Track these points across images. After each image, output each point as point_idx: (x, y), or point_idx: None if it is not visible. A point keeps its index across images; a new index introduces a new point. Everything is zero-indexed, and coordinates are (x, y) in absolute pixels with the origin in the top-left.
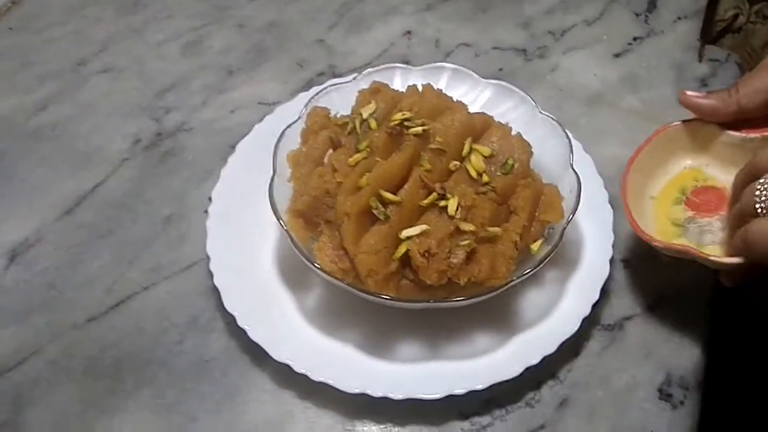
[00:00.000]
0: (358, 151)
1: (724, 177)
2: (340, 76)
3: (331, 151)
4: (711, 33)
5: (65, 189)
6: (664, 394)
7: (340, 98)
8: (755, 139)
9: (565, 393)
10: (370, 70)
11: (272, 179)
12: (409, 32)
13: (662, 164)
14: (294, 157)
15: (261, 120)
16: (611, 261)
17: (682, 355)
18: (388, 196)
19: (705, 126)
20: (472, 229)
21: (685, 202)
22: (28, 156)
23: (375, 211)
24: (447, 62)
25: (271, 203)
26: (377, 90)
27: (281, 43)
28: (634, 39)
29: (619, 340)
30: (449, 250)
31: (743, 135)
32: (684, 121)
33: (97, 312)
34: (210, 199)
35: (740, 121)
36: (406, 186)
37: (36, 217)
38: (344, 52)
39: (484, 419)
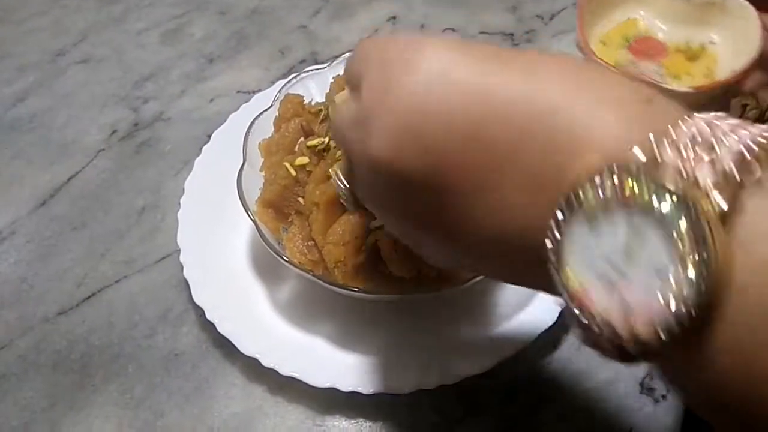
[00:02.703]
0: (330, 138)
1: (664, 31)
2: (322, 63)
3: (302, 139)
4: None
5: (40, 181)
6: (646, 388)
7: (316, 85)
8: None
9: (542, 387)
10: (347, 55)
11: (241, 168)
12: (394, 17)
13: (610, 11)
14: (266, 145)
15: (237, 109)
16: None
17: None
18: None
19: None
20: None
21: (629, 48)
22: (3, 148)
23: (343, 201)
24: None
25: (239, 193)
26: None
27: (263, 31)
28: None
29: None
30: None
31: None
32: None
33: (67, 305)
34: (184, 189)
35: None
36: None
37: (10, 210)
38: (327, 39)
39: (457, 413)
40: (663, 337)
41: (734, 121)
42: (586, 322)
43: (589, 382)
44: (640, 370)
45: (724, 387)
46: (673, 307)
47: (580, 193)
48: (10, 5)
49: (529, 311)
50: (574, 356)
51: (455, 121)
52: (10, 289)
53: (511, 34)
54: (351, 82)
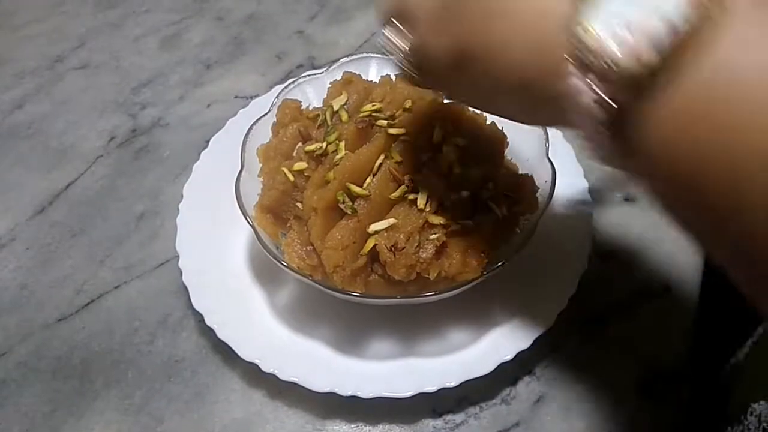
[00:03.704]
0: (328, 143)
1: None
2: (319, 68)
3: (300, 144)
4: None
5: (39, 188)
6: (645, 390)
7: (314, 90)
8: None
9: (541, 389)
10: (344, 60)
11: (239, 174)
12: None
13: None
14: (264, 151)
15: (235, 114)
16: (590, 253)
17: (664, 349)
18: (356, 189)
19: None
20: (442, 222)
21: None
22: (2, 155)
23: (342, 206)
24: None
25: (237, 199)
26: (349, 81)
27: (260, 36)
28: None
29: (598, 334)
30: (418, 244)
31: None
32: None
33: (67, 312)
34: (182, 195)
35: None
36: (374, 179)
37: (9, 217)
38: (324, 43)
39: (458, 417)
40: (653, 54)
41: None
42: (593, 60)
43: (589, 383)
44: (640, 371)
45: (676, 145)
46: (668, 25)
47: None
48: (8, 11)
49: (529, 314)
50: (574, 358)
51: None
52: (10, 295)
53: None
54: None
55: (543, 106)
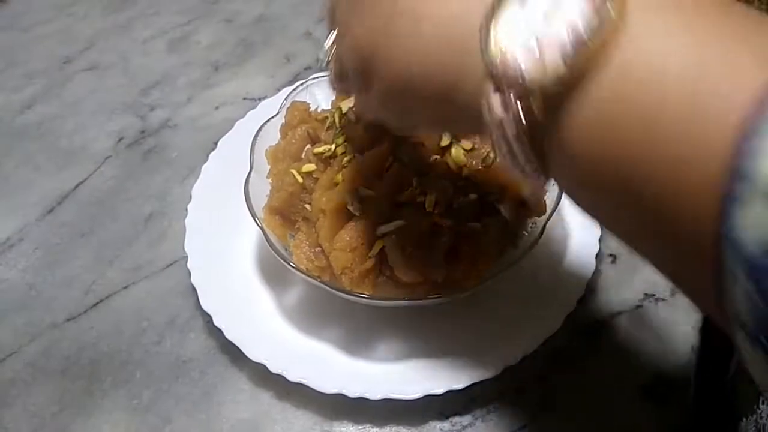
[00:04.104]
0: (337, 145)
1: None
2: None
3: (309, 146)
4: None
5: (48, 188)
6: (651, 393)
7: (322, 92)
8: None
9: (548, 392)
10: None
11: (248, 175)
12: None
13: None
14: (273, 153)
15: (244, 116)
16: (598, 256)
17: (671, 353)
18: (365, 191)
19: None
20: (449, 224)
21: None
22: (12, 155)
23: (350, 207)
24: None
25: (246, 200)
26: None
27: (268, 38)
28: None
29: (605, 337)
30: (426, 247)
31: None
32: None
33: (75, 312)
34: (191, 196)
35: None
36: (383, 181)
37: (18, 217)
38: None
39: (465, 419)
40: (562, 61)
41: None
42: (504, 76)
43: (594, 387)
44: (646, 375)
45: (596, 147)
46: (572, 33)
47: None
48: (17, 12)
49: (536, 317)
50: (580, 361)
51: None
52: (19, 295)
53: None
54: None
55: (456, 119)
